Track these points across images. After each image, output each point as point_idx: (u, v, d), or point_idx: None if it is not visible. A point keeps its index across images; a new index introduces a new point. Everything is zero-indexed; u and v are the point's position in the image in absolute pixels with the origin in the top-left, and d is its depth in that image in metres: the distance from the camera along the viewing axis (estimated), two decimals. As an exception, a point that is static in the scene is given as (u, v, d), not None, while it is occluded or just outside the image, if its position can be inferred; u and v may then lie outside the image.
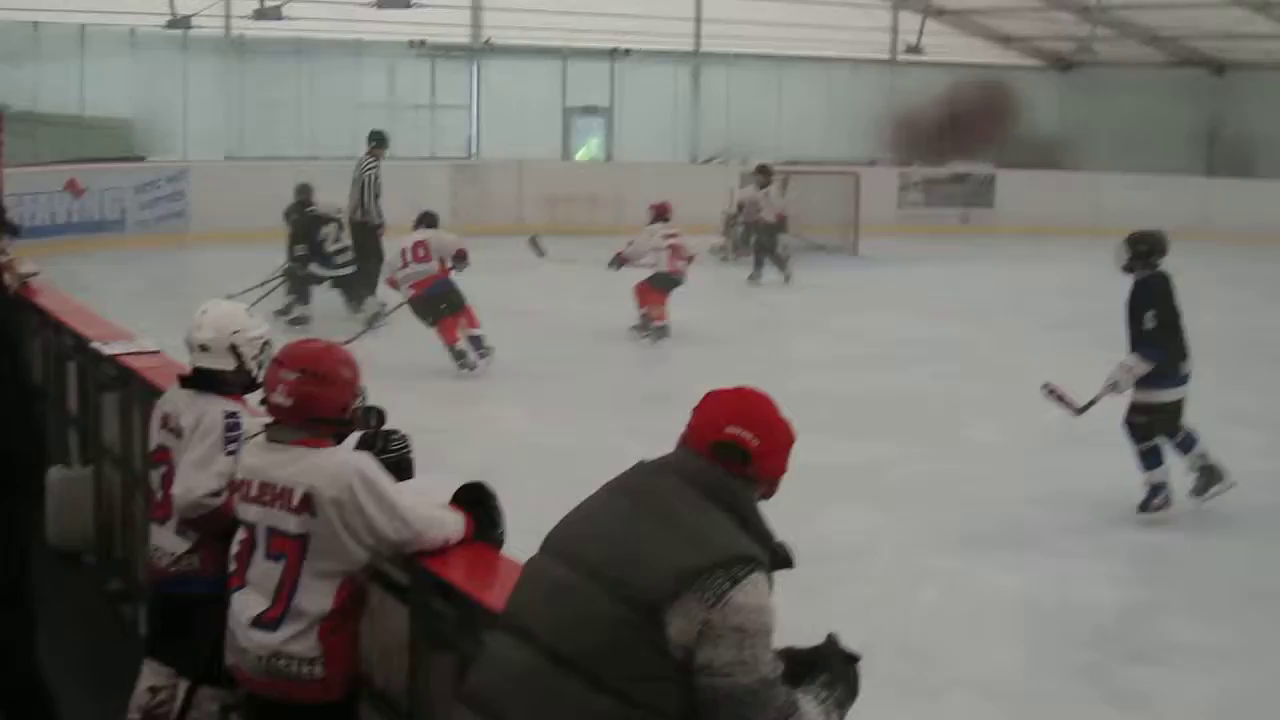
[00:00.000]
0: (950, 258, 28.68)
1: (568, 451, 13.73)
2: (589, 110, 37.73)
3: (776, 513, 4.26)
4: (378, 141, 23.35)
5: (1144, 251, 12.69)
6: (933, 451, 14.63)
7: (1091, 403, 12.93)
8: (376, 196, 22.58)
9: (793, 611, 4.20)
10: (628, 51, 36.96)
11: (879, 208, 34.01)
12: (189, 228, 30.45)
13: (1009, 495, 13.12)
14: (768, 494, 4.21)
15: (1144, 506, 12.55)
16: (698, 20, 38.96)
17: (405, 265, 18.61)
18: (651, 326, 20.89)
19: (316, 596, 5.33)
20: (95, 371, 9.86)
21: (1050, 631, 10.15)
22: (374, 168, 22.85)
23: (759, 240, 27.65)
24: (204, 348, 6.57)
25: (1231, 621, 10.45)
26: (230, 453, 6.26)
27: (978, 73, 40.31)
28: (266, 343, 6.61)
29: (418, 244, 18.75)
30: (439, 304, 18.36)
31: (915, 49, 37.05)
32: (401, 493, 5.36)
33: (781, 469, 4.22)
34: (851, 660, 4.24)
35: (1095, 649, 9.85)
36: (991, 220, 36.33)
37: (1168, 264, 12.70)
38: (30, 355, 10.49)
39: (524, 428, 15.15)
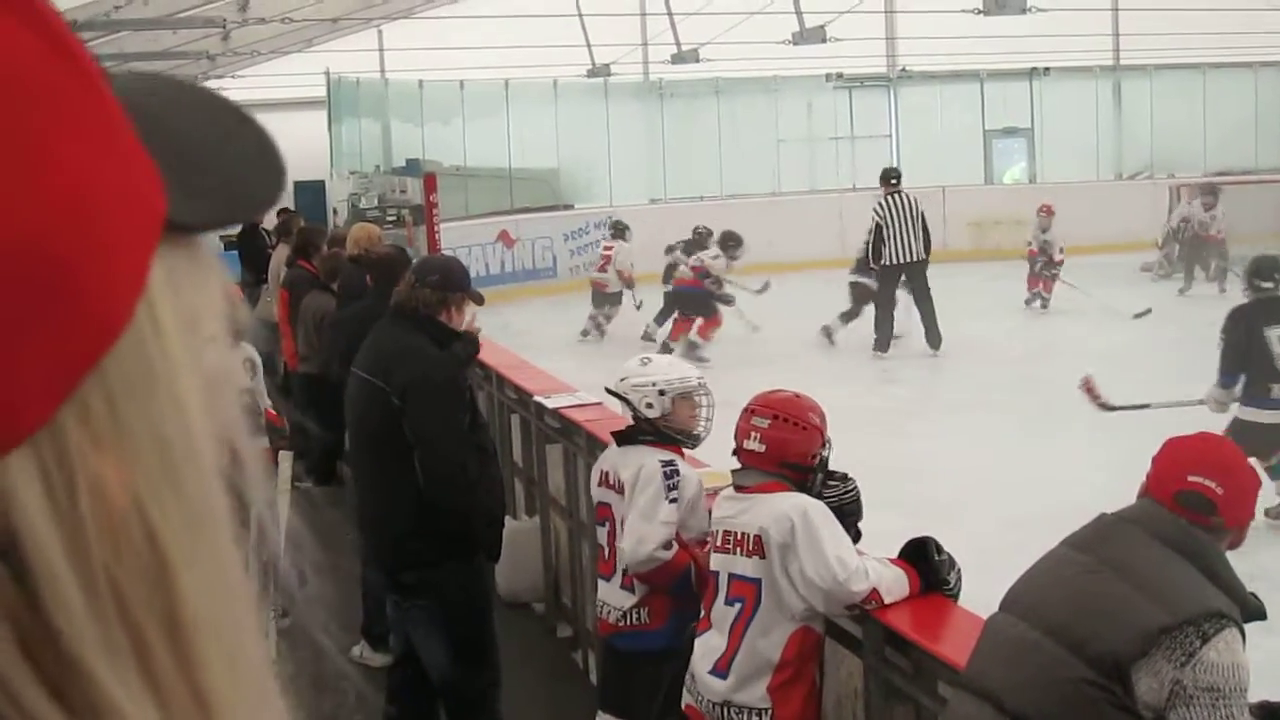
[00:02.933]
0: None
1: (1015, 484, 13.49)
2: (1010, 132, 37.26)
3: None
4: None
5: (1250, 273, 12.65)
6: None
7: (1142, 406, 12.67)
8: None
9: (1253, 647, 4.03)
10: (1046, 70, 36.39)
11: (1318, 215, 32.81)
12: (619, 272, 30.99)
13: None
14: (1235, 543, 4.06)
15: None
16: (1116, 34, 38.24)
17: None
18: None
19: (766, 645, 5.37)
20: (539, 424, 10.06)
21: None
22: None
23: (1195, 254, 27.13)
24: (629, 400, 6.68)
25: None
26: (673, 500, 6.32)
27: None
28: (662, 391, 6.66)
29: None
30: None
31: (1349, 45, 35.72)
32: (841, 542, 5.34)
33: (1248, 516, 4.07)
34: None
35: None
36: None
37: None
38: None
39: (969, 460, 14.91)
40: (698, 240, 23.43)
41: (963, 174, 35.69)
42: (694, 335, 21.53)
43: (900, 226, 21.17)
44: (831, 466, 5.83)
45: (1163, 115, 37.11)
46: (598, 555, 7.06)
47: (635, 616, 6.56)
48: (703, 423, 6.73)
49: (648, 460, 6.49)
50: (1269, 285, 12.44)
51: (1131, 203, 31.67)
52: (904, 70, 37.29)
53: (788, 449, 5.60)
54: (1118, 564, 3.88)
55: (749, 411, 5.74)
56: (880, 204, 21.52)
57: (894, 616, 5.24)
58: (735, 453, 5.77)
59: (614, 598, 6.65)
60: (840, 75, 35.34)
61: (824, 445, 5.71)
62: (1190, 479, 3.98)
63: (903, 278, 21.29)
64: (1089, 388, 13.26)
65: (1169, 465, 4.06)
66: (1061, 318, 24.27)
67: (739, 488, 5.63)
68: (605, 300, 24.00)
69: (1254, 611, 3.92)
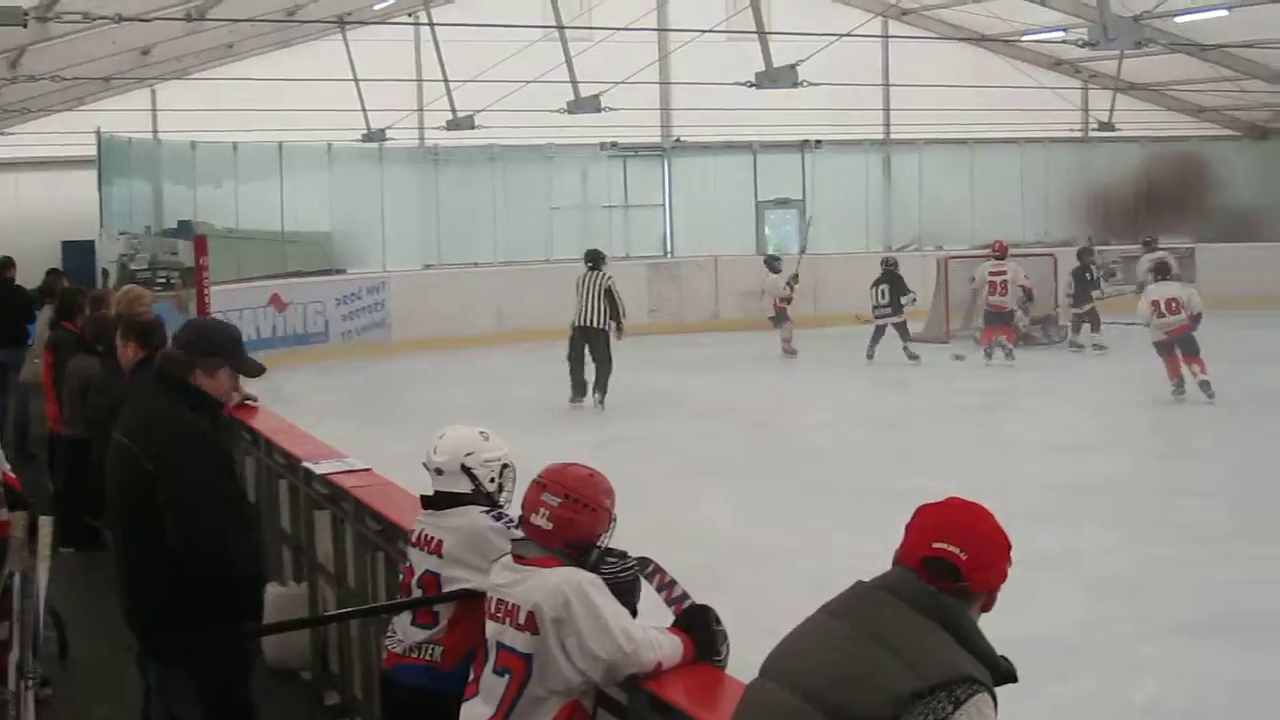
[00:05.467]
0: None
1: (784, 552, 13.63)
2: (781, 203, 37.72)
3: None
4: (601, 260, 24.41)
5: None
6: (1143, 536, 14.31)
7: None
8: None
9: (1008, 709, 4.09)
10: (818, 142, 36.93)
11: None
12: (390, 337, 30.86)
13: (1225, 578, 12.71)
14: (987, 606, 4.11)
15: None
16: (886, 109, 38.94)
17: (1161, 315, 22.55)
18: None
19: (534, 717, 5.33)
20: (307, 490, 9.97)
21: (1277, 720, 9.87)
22: (612, 279, 23.92)
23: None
24: (439, 471, 6.60)
25: None
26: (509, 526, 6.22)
27: (1172, 146, 39.86)
28: (505, 465, 6.62)
29: (1171, 300, 22.73)
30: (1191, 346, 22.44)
31: (1107, 125, 36.68)
32: (621, 613, 5.34)
33: (997, 579, 4.11)
34: None
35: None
36: (1193, 295, 35.76)
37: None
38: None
39: (737, 527, 15.03)
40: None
41: (735, 244, 36.06)
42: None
43: (583, 298, 23.52)
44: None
45: (931, 188, 37.90)
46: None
47: (427, 652, 6.48)
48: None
49: (465, 519, 6.39)
50: None
51: (901, 274, 32.24)
52: (678, 140, 37.63)
53: (575, 530, 5.53)
54: (871, 630, 3.92)
55: (540, 485, 5.61)
56: (578, 279, 23.91)
57: (661, 684, 5.25)
58: (520, 523, 5.72)
59: (407, 632, 6.56)
60: (615, 144, 35.58)
61: (610, 526, 5.67)
62: (935, 545, 4.03)
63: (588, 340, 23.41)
64: None
65: (916, 532, 4.12)
66: (839, 386, 24.63)
67: (517, 557, 5.59)
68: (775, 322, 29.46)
69: (1005, 675, 3.97)
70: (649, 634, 5.30)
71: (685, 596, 5.91)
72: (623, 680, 5.34)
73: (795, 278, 29.15)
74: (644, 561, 5.94)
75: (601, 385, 23.52)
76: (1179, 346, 22.61)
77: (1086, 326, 28.69)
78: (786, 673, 4.05)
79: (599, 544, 5.63)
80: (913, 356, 27.36)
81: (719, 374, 26.16)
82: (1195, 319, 22.51)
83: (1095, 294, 29.57)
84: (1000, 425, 20.67)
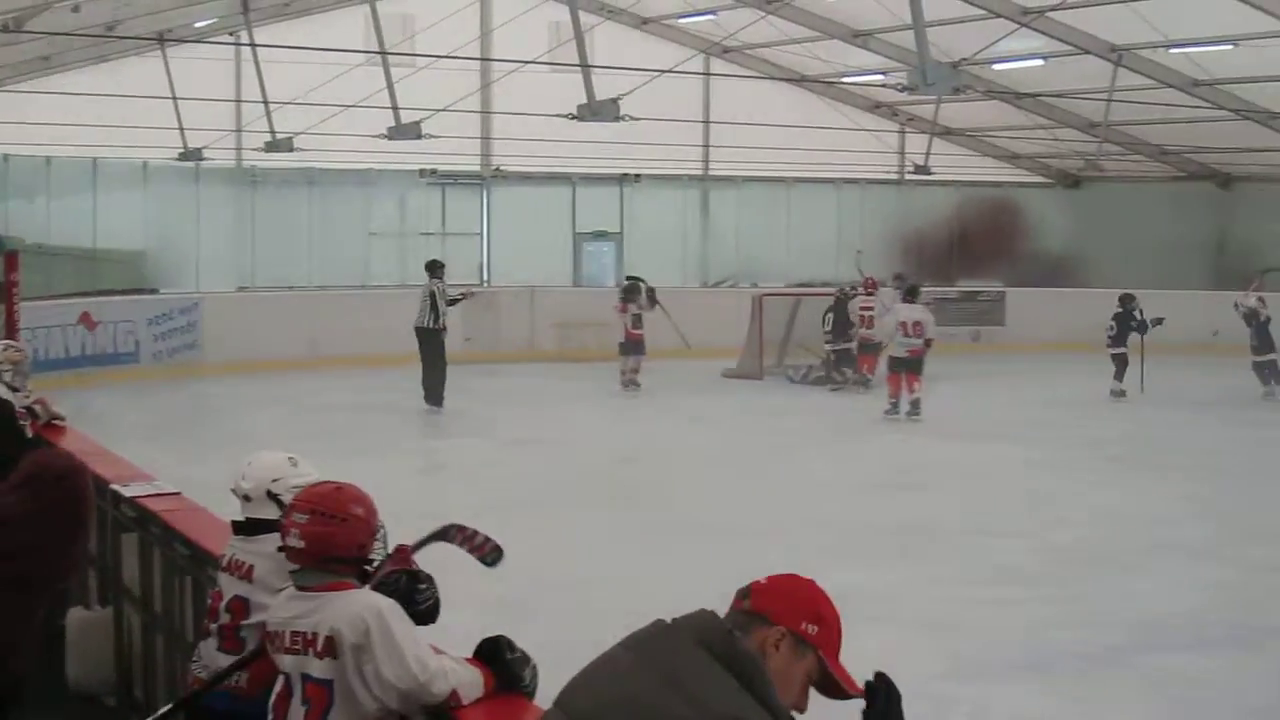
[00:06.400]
0: (963, 377, 28.62)
1: (593, 583, 13.62)
2: (599, 235, 37.81)
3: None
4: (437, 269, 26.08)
5: None
6: (953, 576, 14.46)
7: None
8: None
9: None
10: (637, 177, 37.09)
11: (890, 328, 34.00)
12: (202, 359, 30.49)
13: (1034, 619, 12.90)
14: (765, 645, 4.02)
15: None
16: (706, 145, 39.17)
17: (907, 335, 24.95)
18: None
19: (338, 747, 5.29)
20: (115, 512, 9.83)
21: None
22: (437, 284, 25.59)
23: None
24: (247, 498, 6.54)
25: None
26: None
27: (986, 191, 40.53)
28: None
29: (916, 323, 25.07)
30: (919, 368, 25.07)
31: (923, 169, 37.15)
32: (418, 642, 5.31)
33: (780, 615, 4.02)
34: None
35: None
36: (1003, 338, 36.37)
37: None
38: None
39: (542, 559, 14.99)
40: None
41: (552, 275, 36.09)
42: None
43: (420, 303, 25.40)
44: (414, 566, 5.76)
45: (748, 225, 38.18)
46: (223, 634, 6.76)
47: (232, 678, 6.39)
48: None
49: (269, 544, 6.32)
50: None
51: (715, 310, 32.43)
52: (498, 170, 37.60)
53: (330, 544, 5.47)
54: (658, 664, 3.89)
55: (290, 508, 5.61)
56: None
57: (468, 714, 5.23)
58: (280, 549, 5.68)
59: (213, 658, 6.49)
60: (434, 171, 35.49)
61: (375, 535, 5.64)
62: (754, 581, 4.05)
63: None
64: None
65: None
66: (655, 420, 24.71)
67: (302, 587, 5.53)
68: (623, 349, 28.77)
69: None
70: (444, 664, 5.27)
71: (488, 541, 5.90)
72: (422, 709, 5.31)
73: (650, 296, 29.39)
74: (447, 530, 5.92)
75: (434, 390, 25.01)
76: (909, 367, 25.06)
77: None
78: (574, 703, 4.03)
79: (371, 557, 5.61)
80: (834, 387, 29.23)
81: (532, 404, 26.18)
82: (928, 344, 24.88)
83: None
84: (812, 464, 20.82)
